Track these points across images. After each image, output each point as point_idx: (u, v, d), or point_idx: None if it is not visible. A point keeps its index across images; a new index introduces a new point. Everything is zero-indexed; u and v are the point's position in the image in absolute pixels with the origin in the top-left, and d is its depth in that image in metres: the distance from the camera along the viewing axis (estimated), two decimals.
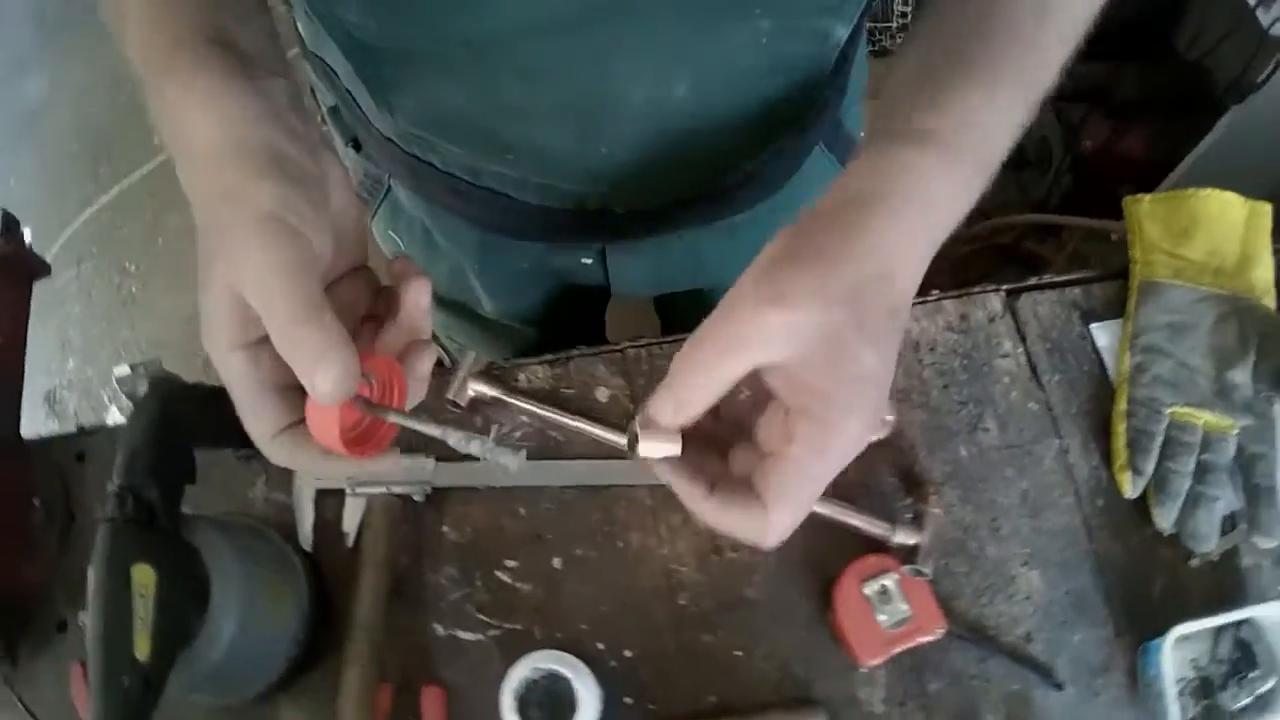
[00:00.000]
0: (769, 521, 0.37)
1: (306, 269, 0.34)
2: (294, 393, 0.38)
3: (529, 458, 0.67)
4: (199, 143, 0.36)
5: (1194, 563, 0.67)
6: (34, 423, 1.70)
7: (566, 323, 0.88)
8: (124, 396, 0.72)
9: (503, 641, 0.62)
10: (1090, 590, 0.65)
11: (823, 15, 0.52)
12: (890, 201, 0.37)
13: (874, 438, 0.37)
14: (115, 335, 2.11)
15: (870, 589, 0.61)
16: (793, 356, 0.36)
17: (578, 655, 0.61)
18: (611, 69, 0.50)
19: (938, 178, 0.39)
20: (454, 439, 0.39)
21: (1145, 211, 0.74)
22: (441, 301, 0.86)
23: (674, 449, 0.38)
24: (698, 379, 0.37)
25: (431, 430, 0.39)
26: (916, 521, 0.62)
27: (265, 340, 0.35)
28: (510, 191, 0.63)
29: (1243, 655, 0.64)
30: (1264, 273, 0.71)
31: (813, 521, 0.65)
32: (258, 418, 0.38)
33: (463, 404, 0.67)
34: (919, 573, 0.60)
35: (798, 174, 0.69)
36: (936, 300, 0.72)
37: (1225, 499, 0.66)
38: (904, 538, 0.61)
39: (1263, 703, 0.62)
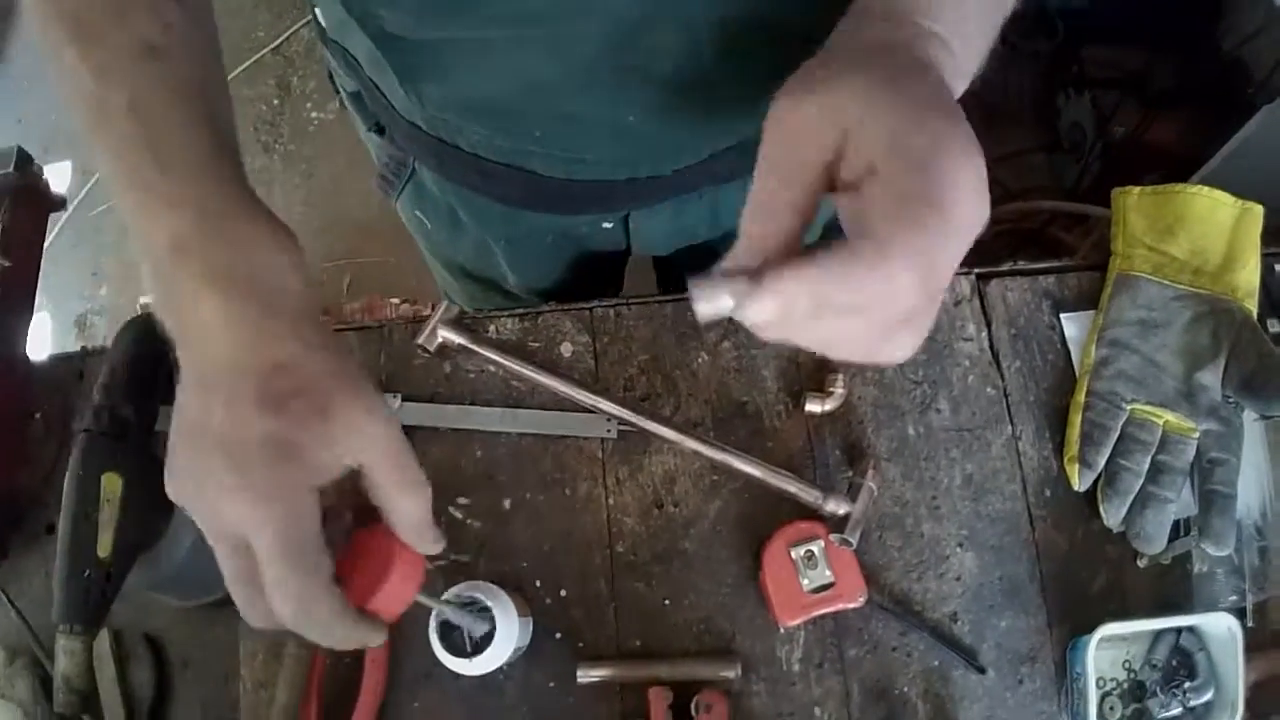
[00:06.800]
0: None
1: None
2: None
3: (491, 405, 0.70)
4: (279, 276, 0.38)
5: (1142, 563, 0.66)
6: (64, 343, 1.79)
7: (589, 291, 0.89)
8: None
9: (448, 570, 0.66)
10: (1025, 578, 0.65)
11: None
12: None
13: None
14: None
15: (797, 553, 0.63)
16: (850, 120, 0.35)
17: (516, 589, 0.65)
18: (643, 41, 0.51)
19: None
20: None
21: (1133, 204, 0.72)
22: (469, 275, 0.89)
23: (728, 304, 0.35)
24: (770, 205, 0.36)
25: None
26: (851, 493, 0.64)
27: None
28: (537, 168, 0.64)
29: (1181, 663, 0.63)
30: (1248, 275, 0.69)
31: (750, 485, 0.67)
32: (317, 567, 0.38)
33: (431, 349, 0.70)
34: (845, 542, 0.62)
35: None
36: None
37: (1179, 502, 0.65)
38: (835, 507, 0.63)
39: (1196, 716, 0.61)
